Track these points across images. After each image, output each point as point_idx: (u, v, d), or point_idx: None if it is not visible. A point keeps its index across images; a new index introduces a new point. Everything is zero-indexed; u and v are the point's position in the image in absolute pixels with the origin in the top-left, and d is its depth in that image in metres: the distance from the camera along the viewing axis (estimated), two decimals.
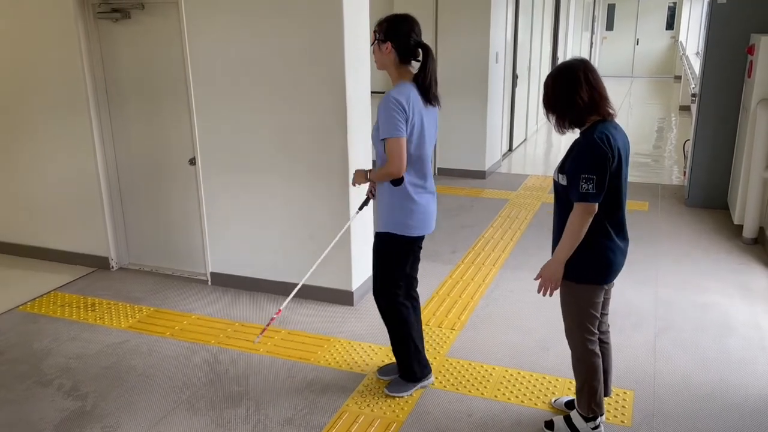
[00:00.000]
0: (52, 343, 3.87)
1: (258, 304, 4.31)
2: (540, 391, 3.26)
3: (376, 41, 2.89)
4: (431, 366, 3.35)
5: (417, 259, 3.23)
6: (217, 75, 4.19)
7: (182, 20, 4.17)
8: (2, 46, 4.82)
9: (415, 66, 2.92)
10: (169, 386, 3.37)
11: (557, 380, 3.35)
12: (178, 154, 4.59)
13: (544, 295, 2.72)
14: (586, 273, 2.64)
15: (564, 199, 2.62)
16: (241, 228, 4.43)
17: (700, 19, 13.57)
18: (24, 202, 5.16)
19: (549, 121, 2.63)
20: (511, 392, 3.26)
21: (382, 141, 2.84)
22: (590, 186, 2.43)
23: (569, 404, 3.07)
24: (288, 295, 4.31)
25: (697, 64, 10.81)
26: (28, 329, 4.05)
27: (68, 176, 4.90)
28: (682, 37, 16.66)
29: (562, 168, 2.61)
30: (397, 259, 3.09)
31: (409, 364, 3.22)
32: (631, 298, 4.30)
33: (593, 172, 2.43)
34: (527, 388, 3.29)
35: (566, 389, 3.27)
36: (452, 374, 3.43)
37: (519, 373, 3.43)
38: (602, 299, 2.76)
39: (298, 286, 3.57)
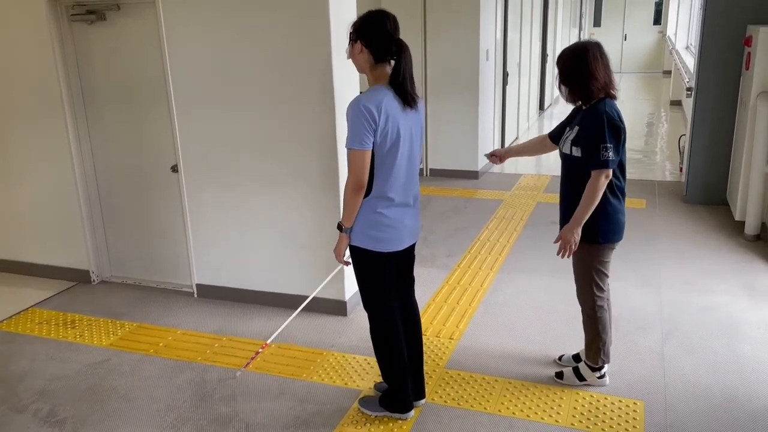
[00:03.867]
0: (30, 364, 3.66)
1: (246, 317, 4.12)
2: (546, 404, 3.09)
3: (349, 42, 2.69)
4: (426, 389, 3.13)
5: (406, 276, 3.01)
6: (198, 78, 3.99)
7: (160, 21, 3.97)
8: None
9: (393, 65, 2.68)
10: (153, 409, 3.17)
11: (563, 391, 3.18)
12: (160, 161, 4.39)
13: (563, 257, 2.94)
14: (604, 233, 2.94)
15: (576, 170, 2.90)
16: (228, 237, 4.24)
17: (689, 14, 13.50)
18: None
19: (560, 92, 2.93)
20: (515, 405, 3.08)
21: (347, 149, 2.63)
22: (609, 153, 2.75)
23: (576, 357, 3.38)
24: (278, 306, 4.15)
25: (687, 59, 10.74)
26: (3, 349, 3.84)
27: (44, 186, 4.68)
28: (670, 32, 16.60)
29: (576, 141, 2.87)
30: (375, 275, 2.82)
31: (389, 391, 3.00)
32: (635, 300, 4.15)
33: (611, 141, 2.75)
34: (532, 400, 3.12)
35: (573, 401, 3.10)
36: (453, 388, 3.25)
37: (523, 384, 3.26)
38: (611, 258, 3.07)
39: (291, 317, 3.39)
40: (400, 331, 2.91)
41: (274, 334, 3.81)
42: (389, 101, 2.59)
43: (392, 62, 2.64)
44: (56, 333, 4.02)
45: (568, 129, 3.00)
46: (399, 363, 2.92)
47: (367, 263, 2.80)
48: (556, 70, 2.95)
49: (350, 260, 2.84)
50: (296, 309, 4.07)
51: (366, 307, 2.92)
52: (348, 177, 2.64)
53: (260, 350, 3.67)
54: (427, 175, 7.67)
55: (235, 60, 3.87)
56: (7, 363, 3.67)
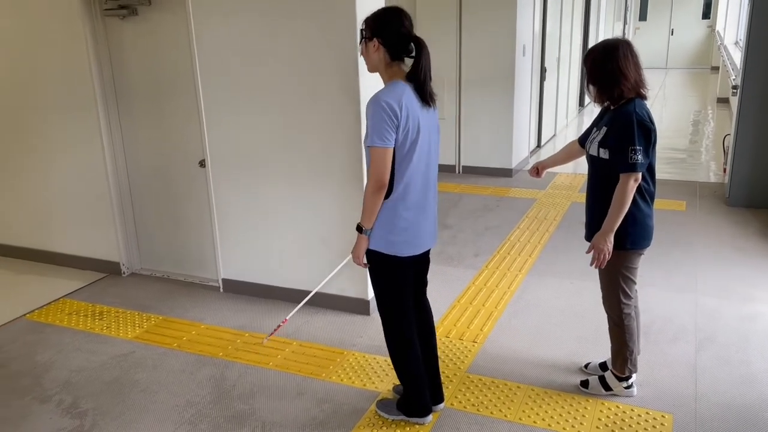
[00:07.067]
0: (56, 354, 3.72)
1: (270, 313, 4.11)
2: (569, 413, 2.99)
3: (362, 40, 2.61)
4: (444, 394, 3.06)
5: (420, 279, 2.94)
6: (226, 73, 3.99)
7: (189, 16, 3.97)
8: (7, 46, 4.70)
9: (408, 64, 2.61)
10: (172, 404, 3.19)
11: (588, 401, 3.07)
12: (188, 155, 4.41)
13: (597, 267, 2.84)
14: (632, 239, 2.82)
15: (604, 172, 2.79)
16: (253, 233, 4.23)
17: (739, 8, 12.99)
18: (34, 205, 5.04)
19: (588, 92, 2.84)
20: (537, 414, 2.99)
21: (367, 148, 2.56)
22: (639, 156, 2.64)
23: (603, 366, 3.26)
24: (293, 303, 4.13)
25: (736, 54, 10.34)
26: (33, 339, 3.91)
27: (77, 179, 4.76)
28: (719, 27, 16.04)
29: (604, 143, 2.75)
30: (393, 279, 2.75)
31: (406, 395, 2.93)
32: (669, 307, 3.99)
33: (640, 144, 2.64)
34: (554, 409, 3.02)
35: (598, 411, 2.99)
36: (473, 393, 3.18)
37: (546, 392, 3.16)
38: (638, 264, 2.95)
39: (307, 298, 3.37)
40: (416, 335, 2.85)
41: (295, 310, 3.87)
42: (409, 97, 2.52)
43: (406, 60, 2.58)
44: (84, 324, 4.08)
45: (595, 130, 2.89)
46: (415, 367, 2.86)
47: (385, 267, 2.74)
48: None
49: (368, 263, 2.79)
50: (320, 306, 4.08)
51: (381, 310, 2.86)
52: (369, 177, 2.57)
53: (281, 324, 3.80)
54: (459, 172, 7.57)
55: (263, 55, 3.85)
56: (34, 353, 3.74)
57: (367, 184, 2.59)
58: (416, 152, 2.57)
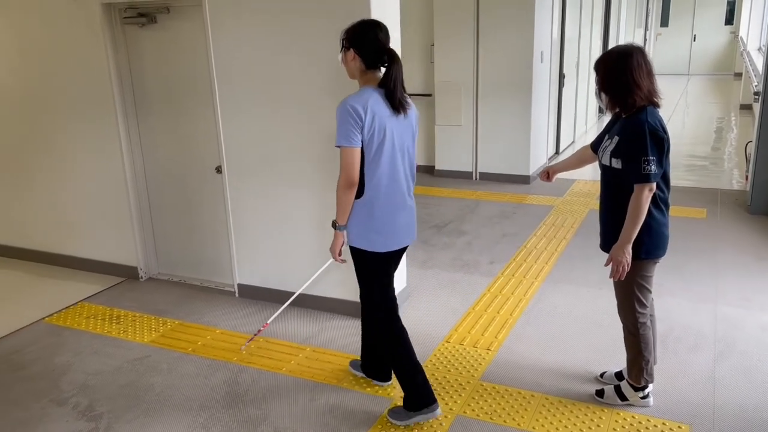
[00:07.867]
0: (74, 357, 3.76)
1: (284, 319, 4.12)
2: (584, 423, 2.95)
3: (342, 49, 2.81)
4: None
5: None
6: (243, 80, 4.02)
7: (206, 24, 4.02)
8: (28, 54, 4.79)
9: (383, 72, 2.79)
10: (186, 408, 3.21)
11: (603, 411, 3.03)
12: (205, 161, 4.45)
13: (617, 279, 2.80)
14: (647, 248, 2.78)
15: (616, 181, 2.75)
16: (269, 238, 4.25)
17: (762, 13, 12.82)
18: (53, 210, 5.11)
19: (599, 99, 2.79)
20: (551, 423, 2.96)
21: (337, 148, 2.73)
22: (652, 167, 2.60)
23: (618, 375, 3.21)
24: (316, 309, 4.15)
25: (759, 60, 10.20)
26: (51, 342, 3.96)
27: (96, 184, 4.83)
28: (742, 32, 15.83)
29: (616, 153, 2.71)
30: (376, 274, 2.95)
31: (407, 392, 2.97)
32: (687, 317, 3.93)
33: (654, 154, 2.60)
34: (569, 419, 2.99)
35: (613, 421, 2.95)
36: (486, 401, 3.15)
37: (560, 401, 3.13)
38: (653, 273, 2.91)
39: (290, 299, 3.42)
40: (404, 330, 2.98)
41: (276, 313, 3.94)
42: (375, 101, 2.70)
43: (382, 69, 2.76)
44: (101, 328, 4.13)
45: (606, 138, 2.85)
46: (406, 361, 2.96)
47: (368, 263, 2.92)
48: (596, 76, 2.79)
49: (345, 259, 2.95)
50: (333, 312, 4.10)
51: (369, 304, 3.01)
52: (339, 175, 2.72)
53: (261, 328, 3.86)
54: (476, 178, 7.54)
55: (279, 62, 3.88)
56: (52, 356, 3.79)
57: (338, 182, 2.75)
58: (384, 154, 2.74)
